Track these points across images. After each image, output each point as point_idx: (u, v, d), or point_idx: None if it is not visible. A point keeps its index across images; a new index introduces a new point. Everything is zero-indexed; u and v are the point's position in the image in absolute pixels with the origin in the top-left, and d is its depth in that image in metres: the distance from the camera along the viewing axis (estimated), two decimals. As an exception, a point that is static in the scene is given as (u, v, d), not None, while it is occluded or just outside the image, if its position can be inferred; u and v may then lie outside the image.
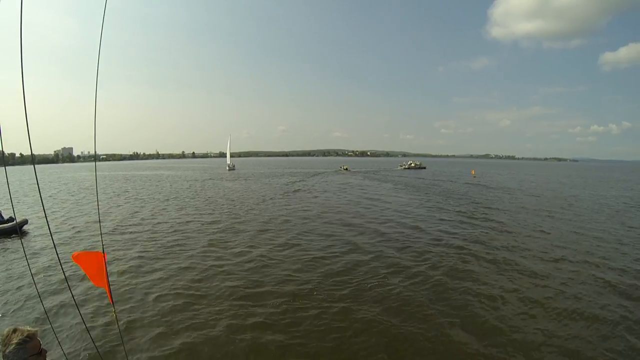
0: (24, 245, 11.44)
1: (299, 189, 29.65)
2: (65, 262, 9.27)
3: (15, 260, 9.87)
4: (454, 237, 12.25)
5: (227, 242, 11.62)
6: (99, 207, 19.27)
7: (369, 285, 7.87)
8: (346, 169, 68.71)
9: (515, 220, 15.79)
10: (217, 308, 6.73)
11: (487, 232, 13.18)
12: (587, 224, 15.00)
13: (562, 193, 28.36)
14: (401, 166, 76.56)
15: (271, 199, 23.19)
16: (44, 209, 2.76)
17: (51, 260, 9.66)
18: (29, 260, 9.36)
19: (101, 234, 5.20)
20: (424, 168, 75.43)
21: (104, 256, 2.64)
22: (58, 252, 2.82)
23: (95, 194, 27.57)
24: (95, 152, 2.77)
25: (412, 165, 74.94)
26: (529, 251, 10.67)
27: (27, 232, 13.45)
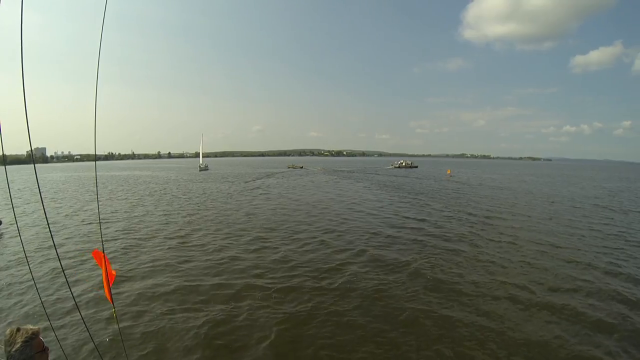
0: (23, 245, 11.38)
1: (258, 187, 31.22)
2: (64, 263, 9.25)
3: (8, 261, 9.81)
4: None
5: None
6: (89, 208, 19.25)
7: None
8: (301, 167, 71.19)
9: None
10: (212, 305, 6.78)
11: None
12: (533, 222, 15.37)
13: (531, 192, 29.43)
14: (392, 165, 77.09)
15: (228, 194, 25.01)
16: (44, 209, 2.79)
17: (46, 259, 9.57)
18: (26, 261, 9.36)
19: (101, 234, 5.22)
20: (416, 167, 75.30)
21: (104, 255, 2.68)
22: (50, 253, 2.84)
23: (96, 194, 27.58)
24: (95, 152, 2.82)
25: (404, 164, 75.03)
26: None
27: (2, 233, 13.08)
